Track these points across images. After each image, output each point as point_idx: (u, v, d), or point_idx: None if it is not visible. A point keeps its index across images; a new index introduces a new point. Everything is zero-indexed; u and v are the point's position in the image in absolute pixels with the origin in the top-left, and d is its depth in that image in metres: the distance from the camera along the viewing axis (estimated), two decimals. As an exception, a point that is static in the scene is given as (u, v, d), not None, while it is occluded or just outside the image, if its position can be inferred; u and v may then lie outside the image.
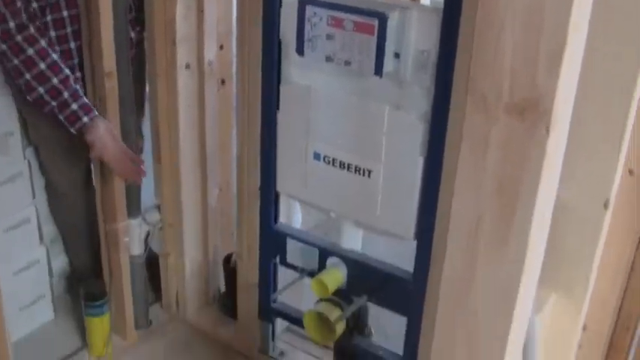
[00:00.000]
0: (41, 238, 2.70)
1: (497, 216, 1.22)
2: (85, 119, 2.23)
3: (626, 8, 1.32)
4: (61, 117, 2.23)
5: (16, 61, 2.17)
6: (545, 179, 1.16)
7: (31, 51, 2.17)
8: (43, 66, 2.19)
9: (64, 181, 2.65)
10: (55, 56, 2.21)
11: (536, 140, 1.12)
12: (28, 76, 2.19)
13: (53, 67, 2.20)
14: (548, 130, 1.10)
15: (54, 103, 2.22)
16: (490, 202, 1.21)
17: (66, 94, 2.21)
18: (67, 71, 2.24)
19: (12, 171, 2.53)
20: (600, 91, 1.40)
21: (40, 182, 2.67)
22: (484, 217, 1.23)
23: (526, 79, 1.10)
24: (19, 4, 2.13)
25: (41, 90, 2.20)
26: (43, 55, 2.19)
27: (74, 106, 2.22)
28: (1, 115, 2.44)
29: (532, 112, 1.10)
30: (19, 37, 2.15)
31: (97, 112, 2.26)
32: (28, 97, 2.23)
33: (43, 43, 2.19)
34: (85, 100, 2.26)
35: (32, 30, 2.17)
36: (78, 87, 2.26)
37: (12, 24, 2.13)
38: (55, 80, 2.20)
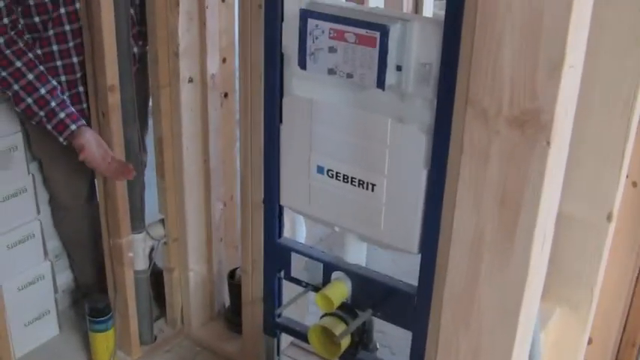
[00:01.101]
0: (46, 253, 2.70)
1: (499, 229, 1.20)
2: (73, 127, 2.25)
3: (625, 18, 1.31)
4: (49, 126, 2.26)
5: (4, 74, 2.20)
6: (546, 192, 1.15)
7: (19, 63, 2.20)
8: (31, 77, 2.22)
9: (67, 195, 2.66)
10: (42, 68, 2.25)
11: (537, 153, 1.11)
12: (16, 86, 2.22)
13: (41, 77, 2.24)
14: (549, 143, 1.09)
15: (42, 113, 2.24)
16: (492, 216, 1.20)
17: (53, 104, 2.24)
18: (55, 82, 2.27)
19: (16, 186, 2.53)
20: (602, 102, 1.39)
21: (44, 197, 2.67)
22: (486, 230, 1.22)
23: (526, 91, 1.09)
24: (5, 20, 2.17)
25: (29, 100, 2.23)
26: (31, 66, 2.22)
27: (62, 115, 2.25)
28: (4, 129, 2.45)
29: (532, 124, 1.09)
30: (7, 52, 2.19)
31: (84, 121, 2.29)
32: (16, 108, 2.26)
33: (30, 55, 2.23)
34: (72, 109, 2.29)
35: (20, 44, 2.21)
36: (65, 97, 2.29)
37: (1, 40, 2.17)
38: (42, 90, 2.23)
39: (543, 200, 1.15)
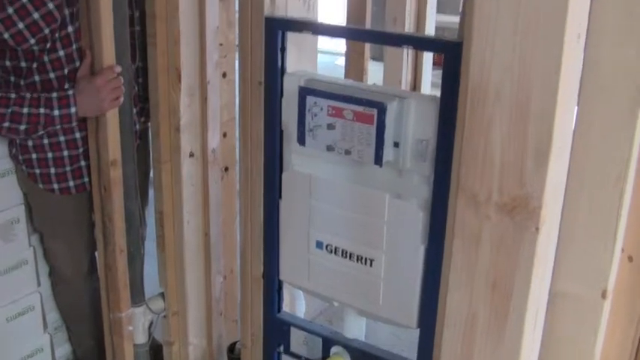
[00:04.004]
0: (45, 325, 2.70)
1: (491, 312, 1.22)
2: (70, 92, 2.24)
3: (613, 100, 1.33)
4: (56, 112, 2.22)
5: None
6: (536, 276, 1.16)
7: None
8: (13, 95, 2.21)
9: (68, 268, 2.67)
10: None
11: (526, 238, 1.13)
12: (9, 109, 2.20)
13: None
14: (537, 229, 1.12)
15: (42, 111, 2.21)
16: (484, 298, 1.21)
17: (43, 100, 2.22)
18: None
19: (17, 258, 2.55)
20: (593, 180, 1.41)
21: (44, 269, 2.68)
22: (478, 312, 1.23)
23: (514, 178, 1.11)
24: None
25: (25, 110, 2.20)
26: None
27: (54, 95, 2.23)
28: (6, 202, 2.47)
29: (521, 210, 1.11)
30: None
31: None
32: (21, 127, 2.22)
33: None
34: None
35: None
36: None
37: None
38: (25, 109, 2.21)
39: (534, 284, 1.17)
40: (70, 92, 2.22)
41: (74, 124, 2.28)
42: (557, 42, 1.07)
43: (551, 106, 1.05)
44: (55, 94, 2.21)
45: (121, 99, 2.22)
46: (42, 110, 2.19)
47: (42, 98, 2.20)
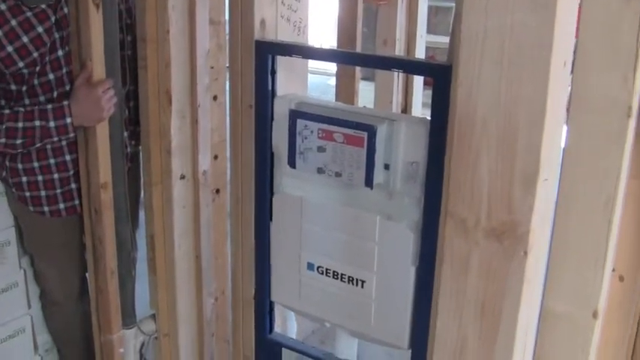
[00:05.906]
0: (36, 348, 2.69)
1: (480, 336, 1.22)
2: (65, 102, 2.25)
3: (601, 122, 1.34)
4: (52, 123, 2.23)
5: None
6: (525, 300, 1.17)
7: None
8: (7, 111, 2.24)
9: (59, 291, 2.66)
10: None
11: (515, 263, 1.14)
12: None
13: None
14: (526, 253, 1.12)
15: (37, 124, 2.23)
16: (473, 323, 1.21)
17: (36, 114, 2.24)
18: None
19: (8, 281, 2.54)
20: (582, 203, 1.41)
21: (35, 291, 2.67)
22: (468, 337, 1.23)
23: (502, 204, 1.12)
24: None
25: (20, 125, 2.22)
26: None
27: (49, 106, 2.25)
28: (-2, 224, 2.47)
29: (510, 236, 1.12)
30: None
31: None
32: (16, 141, 2.24)
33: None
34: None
35: None
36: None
37: None
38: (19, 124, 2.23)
39: (522, 307, 1.17)
40: (65, 103, 2.22)
41: (71, 134, 2.28)
42: (543, 70, 1.08)
43: (538, 135, 1.06)
44: (49, 106, 2.22)
45: (113, 109, 2.24)
46: (37, 123, 2.20)
47: (36, 111, 2.20)
